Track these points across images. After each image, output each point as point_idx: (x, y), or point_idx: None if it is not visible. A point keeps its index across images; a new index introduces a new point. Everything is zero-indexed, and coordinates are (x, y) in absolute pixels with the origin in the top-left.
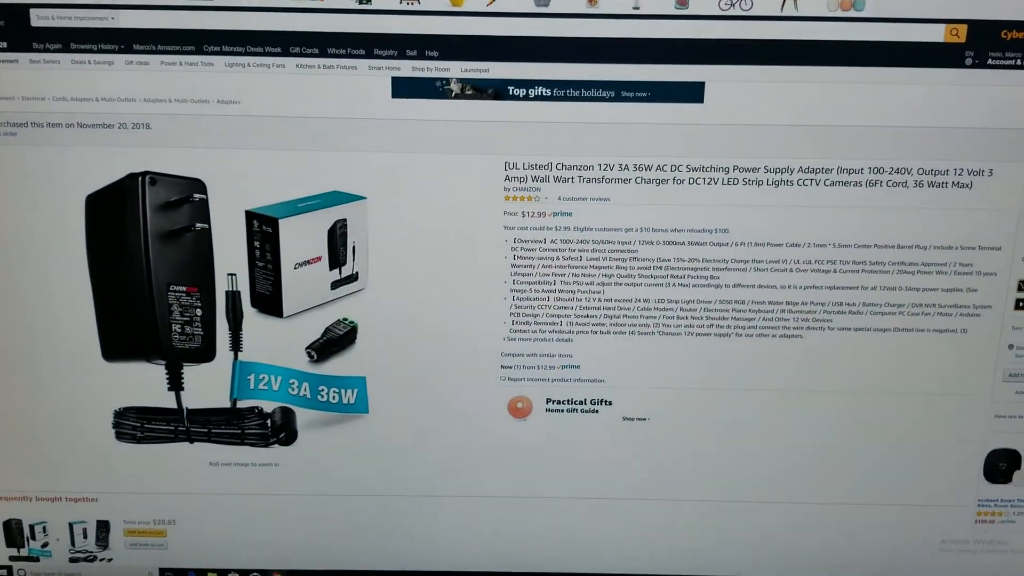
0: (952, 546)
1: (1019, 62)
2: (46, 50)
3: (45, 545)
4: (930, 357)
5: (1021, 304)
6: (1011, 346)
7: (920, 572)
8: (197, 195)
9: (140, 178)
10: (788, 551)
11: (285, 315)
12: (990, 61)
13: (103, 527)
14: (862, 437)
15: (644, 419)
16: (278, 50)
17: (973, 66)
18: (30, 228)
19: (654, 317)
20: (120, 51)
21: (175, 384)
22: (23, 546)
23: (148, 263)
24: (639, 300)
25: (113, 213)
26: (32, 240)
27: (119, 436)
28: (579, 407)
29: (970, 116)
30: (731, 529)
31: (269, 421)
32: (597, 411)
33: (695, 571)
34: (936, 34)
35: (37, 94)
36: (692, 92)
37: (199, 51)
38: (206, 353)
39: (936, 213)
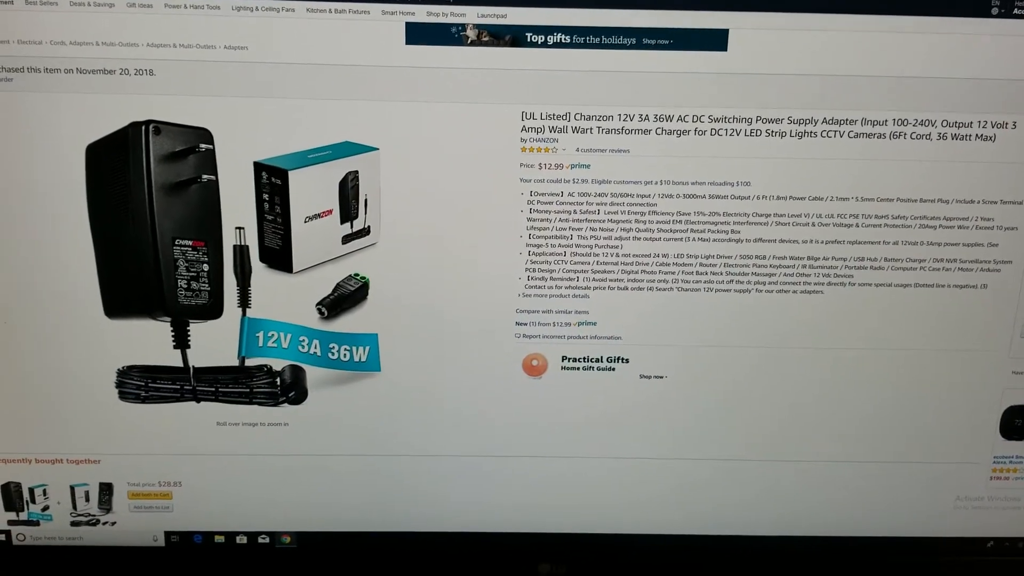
0: (966, 503)
1: None
2: None
3: (45, 509)
4: (949, 313)
5: None
6: None
7: (934, 529)
8: (203, 145)
9: (143, 127)
10: (805, 509)
11: (295, 270)
12: (1016, 11)
13: (106, 489)
14: (880, 394)
15: (662, 377)
16: None
17: (999, 16)
18: (28, 179)
19: (673, 272)
20: None
21: (181, 342)
22: (22, 510)
23: (152, 216)
24: (658, 255)
25: (115, 164)
26: (30, 192)
27: (122, 396)
28: (595, 365)
29: (995, 67)
30: (748, 488)
31: (278, 380)
32: (614, 369)
33: (713, 531)
34: None
35: (34, 38)
36: (715, 40)
37: None
38: (213, 310)
39: (959, 166)
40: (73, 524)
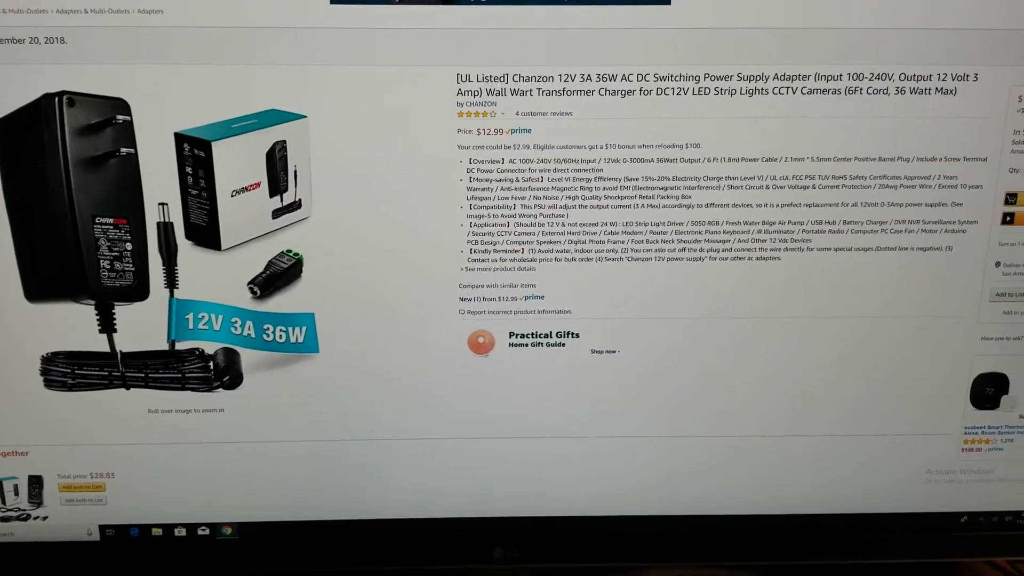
0: (938, 476)
1: None
2: None
3: None
4: (914, 277)
5: (1008, 219)
6: (998, 263)
7: (905, 504)
8: (120, 117)
9: (56, 99)
10: (766, 487)
11: (223, 248)
12: None
13: (36, 482)
14: (844, 364)
15: (614, 352)
16: None
17: None
18: None
19: (622, 241)
20: None
21: (106, 326)
22: None
23: (70, 193)
24: (605, 223)
25: (28, 139)
26: None
27: (48, 384)
28: (544, 340)
29: (955, 16)
30: (708, 466)
31: (211, 363)
32: (563, 344)
33: (671, 511)
34: None
35: None
36: None
37: None
38: (139, 291)
39: (919, 122)
40: (2, 519)
